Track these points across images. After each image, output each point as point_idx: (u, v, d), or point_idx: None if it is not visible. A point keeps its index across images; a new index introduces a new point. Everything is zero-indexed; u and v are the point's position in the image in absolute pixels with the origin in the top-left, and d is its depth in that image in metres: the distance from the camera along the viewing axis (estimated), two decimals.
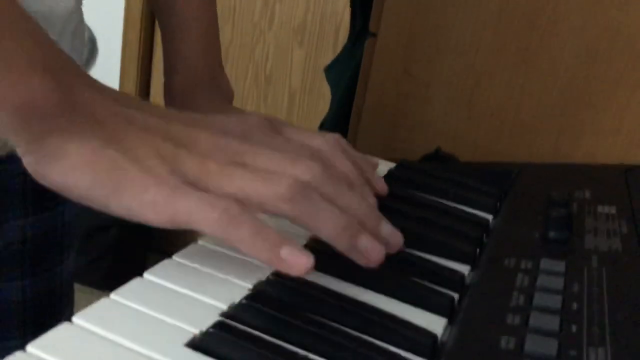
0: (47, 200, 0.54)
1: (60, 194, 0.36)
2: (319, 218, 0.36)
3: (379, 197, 0.46)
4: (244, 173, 0.36)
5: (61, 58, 0.36)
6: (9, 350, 0.30)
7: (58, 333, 0.31)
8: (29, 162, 0.35)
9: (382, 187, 0.49)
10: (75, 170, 0.34)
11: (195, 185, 0.35)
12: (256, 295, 0.36)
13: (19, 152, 0.35)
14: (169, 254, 0.39)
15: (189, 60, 0.57)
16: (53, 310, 0.57)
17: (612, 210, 0.51)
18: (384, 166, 0.60)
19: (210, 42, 0.58)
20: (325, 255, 0.38)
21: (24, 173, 0.35)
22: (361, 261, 0.38)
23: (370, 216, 0.39)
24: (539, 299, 0.37)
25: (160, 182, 0.34)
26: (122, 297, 0.35)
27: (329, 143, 0.46)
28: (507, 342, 0.33)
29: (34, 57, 0.34)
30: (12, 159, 0.43)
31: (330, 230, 0.37)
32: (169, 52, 0.58)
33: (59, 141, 0.34)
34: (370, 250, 0.37)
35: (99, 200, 0.35)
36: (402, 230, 0.46)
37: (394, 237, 0.40)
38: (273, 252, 0.34)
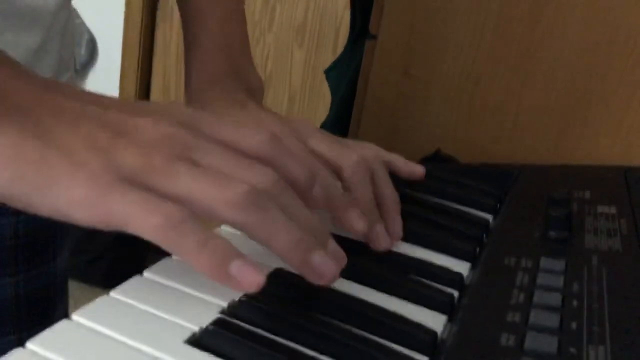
0: None
1: None
2: (272, 230, 0.33)
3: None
4: (192, 171, 0.32)
5: None
6: (4, 346, 0.30)
7: (57, 330, 0.31)
8: None
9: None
10: None
11: (135, 181, 0.31)
12: (256, 292, 0.36)
13: None
14: (168, 253, 0.39)
15: (207, 51, 0.54)
16: (47, 306, 0.57)
17: (612, 210, 0.51)
18: None
19: (231, 32, 0.55)
20: None
21: None
22: (313, 278, 0.34)
23: (320, 230, 0.36)
24: (539, 297, 0.37)
25: (92, 177, 0.30)
26: (121, 294, 0.35)
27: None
28: (507, 340, 0.33)
29: None
30: None
31: (283, 243, 0.33)
32: (187, 43, 0.55)
33: None
34: (324, 268, 0.34)
35: (21, 199, 0.31)
36: (403, 229, 0.46)
37: (340, 255, 0.36)
38: (220, 266, 0.30)
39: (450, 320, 0.37)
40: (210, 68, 0.53)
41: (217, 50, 0.54)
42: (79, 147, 0.31)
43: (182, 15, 0.56)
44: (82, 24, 2.05)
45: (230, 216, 0.32)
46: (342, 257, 0.36)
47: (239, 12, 0.56)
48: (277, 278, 0.38)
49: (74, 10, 0.57)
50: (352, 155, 0.46)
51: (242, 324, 0.33)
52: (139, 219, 0.30)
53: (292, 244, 0.33)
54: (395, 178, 0.57)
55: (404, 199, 0.53)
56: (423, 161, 0.81)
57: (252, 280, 0.31)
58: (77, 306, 0.34)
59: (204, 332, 0.32)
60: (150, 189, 0.31)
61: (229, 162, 0.33)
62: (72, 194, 0.30)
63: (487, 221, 0.51)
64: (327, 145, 0.46)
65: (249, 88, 0.54)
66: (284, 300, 0.36)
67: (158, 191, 0.31)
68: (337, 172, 0.45)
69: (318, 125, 1.07)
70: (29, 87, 0.32)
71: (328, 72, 1.08)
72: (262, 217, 0.32)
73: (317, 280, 0.34)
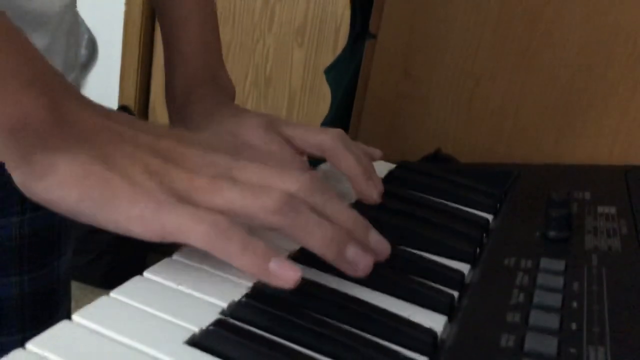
0: None
1: (49, 208, 0.36)
2: (307, 230, 0.36)
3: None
4: (232, 187, 0.36)
5: (51, 73, 0.36)
6: (8, 346, 0.30)
7: (58, 331, 0.31)
8: (17, 178, 0.35)
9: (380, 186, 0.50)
10: (63, 186, 0.34)
11: (184, 199, 0.35)
12: (256, 293, 0.36)
13: (8, 167, 0.35)
14: (169, 253, 0.40)
15: (188, 58, 0.56)
16: (51, 305, 0.57)
17: (612, 210, 0.51)
18: (384, 167, 0.60)
19: (209, 39, 0.58)
20: None
21: None
22: (349, 271, 0.38)
23: (357, 225, 0.39)
24: (538, 297, 0.37)
25: (148, 196, 0.34)
26: (122, 295, 0.35)
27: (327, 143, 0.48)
28: (507, 340, 0.33)
29: (23, 74, 0.34)
30: None
31: (318, 241, 0.36)
32: (168, 50, 0.57)
33: (48, 157, 0.34)
34: (358, 261, 0.37)
35: (87, 215, 0.35)
36: (403, 229, 0.46)
37: (382, 245, 0.40)
38: (261, 265, 0.34)
39: (450, 320, 0.37)
40: (193, 74, 0.56)
41: (197, 58, 0.57)
42: (136, 171, 0.35)
43: (161, 22, 0.58)
44: (82, 24, 2.05)
45: (268, 220, 0.36)
46: (384, 247, 0.40)
47: (214, 17, 0.59)
48: None
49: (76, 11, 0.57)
50: (329, 131, 0.51)
51: (242, 324, 0.33)
52: (188, 229, 0.34)
53: (326, 241, 0.36)
54: (396, 178, 0.57)
55: (404, 198, 0.53)
56: (423, 161, 0.81)
57: (289, 276, 0.34)
58: (78, 306, 0.34)
59: (204, 332, 0.32)
60: (198, 205, 0.35)
61: (263, 174, 0.38)
62: (131, 211, 0.34)
63: (487, 221, 0.51)
64: (301, 129, 0.51)
65: (227, 93, 0.58)
66: (283, 301, 0.36)
67: (204, 205, 0.35)
68: (318, 148, 0.50)
69: (318, 125, 1.07)
70: (93, 116, 0.36)
71: (328, 72, 1.08)
72: (296, 218, 0.36)
73: (352, 272, 0.37)
